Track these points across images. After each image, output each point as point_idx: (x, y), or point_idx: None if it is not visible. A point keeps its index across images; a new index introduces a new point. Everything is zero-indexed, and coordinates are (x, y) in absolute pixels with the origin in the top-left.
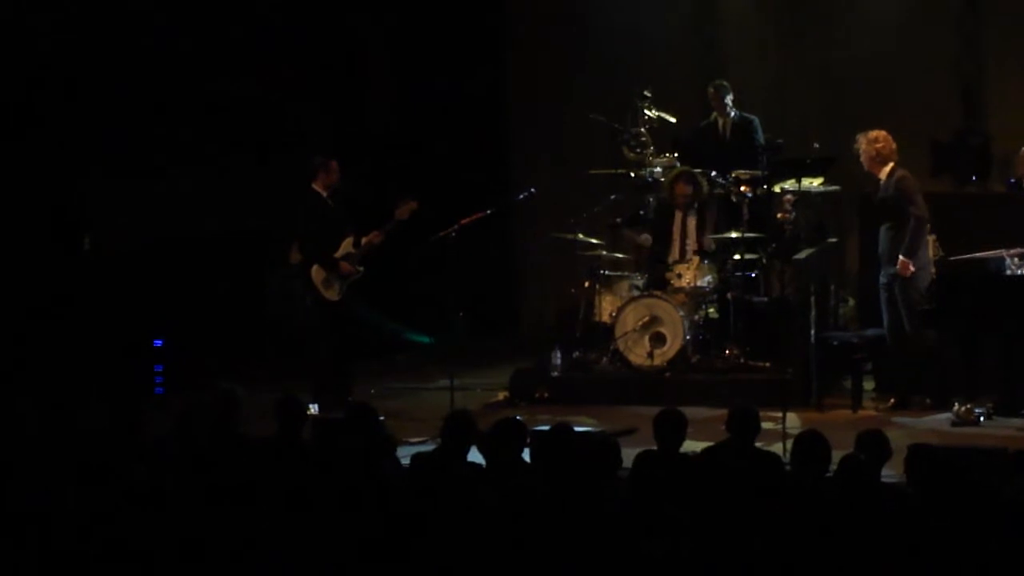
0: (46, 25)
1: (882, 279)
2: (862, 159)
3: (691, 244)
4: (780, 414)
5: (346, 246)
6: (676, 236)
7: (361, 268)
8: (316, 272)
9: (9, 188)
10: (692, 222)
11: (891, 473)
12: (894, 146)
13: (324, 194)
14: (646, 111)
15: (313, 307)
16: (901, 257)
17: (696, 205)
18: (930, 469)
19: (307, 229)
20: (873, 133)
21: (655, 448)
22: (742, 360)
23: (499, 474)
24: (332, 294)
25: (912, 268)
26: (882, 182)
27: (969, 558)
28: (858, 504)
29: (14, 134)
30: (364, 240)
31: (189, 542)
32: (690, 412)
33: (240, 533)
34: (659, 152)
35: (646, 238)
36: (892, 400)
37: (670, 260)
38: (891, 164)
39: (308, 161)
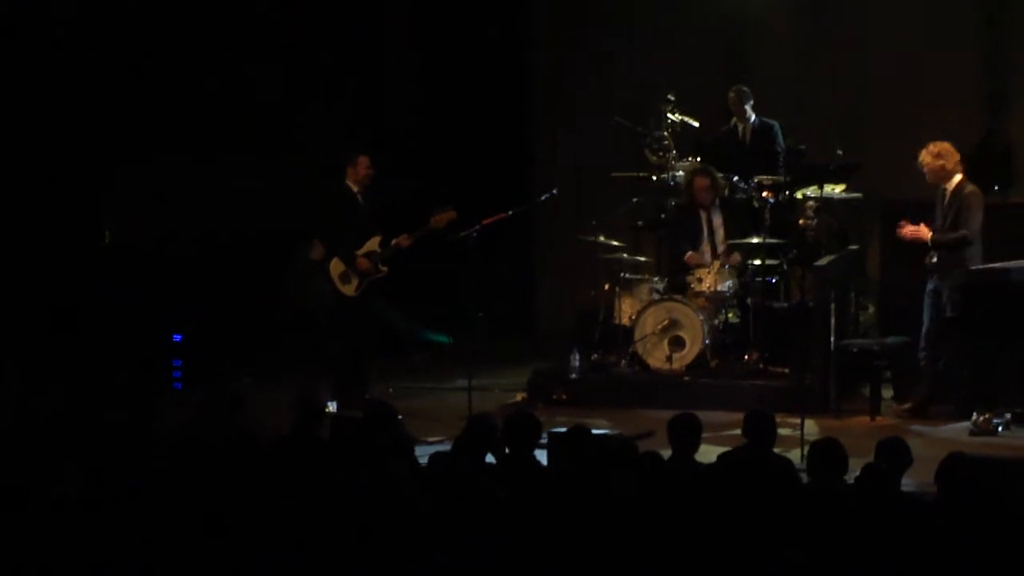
0: (70, 14)
1: (929, 285)
2: (925, 171)
3: (721, 244)
4: (798, 420)
5: (371, 245)
6: (706, 237)
7: (385, 269)
8: (335, 265)
9: (30, 182)
10: (718, 220)
11: (909, 482)
12: (958, 157)
13: (355, 189)
14: (669, 115)
15: (331, 303)
16: (934, 238)
17: (718, 202)
18: (964, 479)
19: (330, 220)
20: (935, 147)
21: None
22: (761, 365)
23: (511, 471)
24: (349, 290)
25: (925, 237)
26: (948, 191)
27: (989, 568)
28: (878, 513)
29: (36, 128)
30: (393, 242)
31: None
32: (708, 417)
33: (251, 531)
34: (681, 156)
35: (692, 255)
36: (908, 404)
37: (705, 263)
38: (959, 176)
39: (341, 156)
